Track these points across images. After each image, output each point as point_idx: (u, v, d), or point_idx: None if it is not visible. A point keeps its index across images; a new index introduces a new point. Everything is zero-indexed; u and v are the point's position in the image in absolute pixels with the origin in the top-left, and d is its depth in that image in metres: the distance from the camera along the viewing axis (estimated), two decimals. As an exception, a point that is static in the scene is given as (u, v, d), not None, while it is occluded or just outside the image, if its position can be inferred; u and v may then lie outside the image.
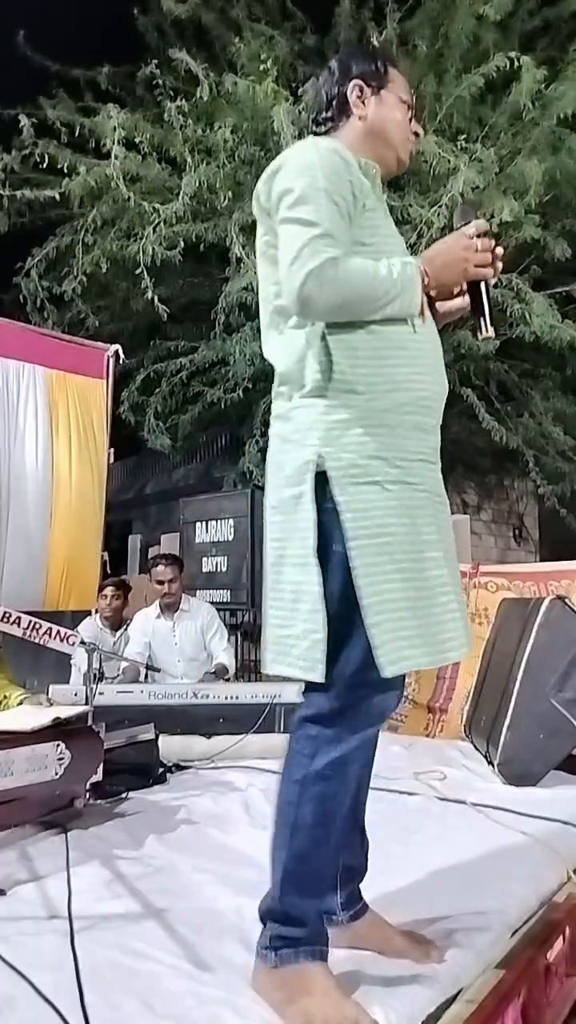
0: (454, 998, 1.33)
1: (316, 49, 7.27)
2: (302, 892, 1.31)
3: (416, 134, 1.58)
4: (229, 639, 4.54)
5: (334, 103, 1.54)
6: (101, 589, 4.46)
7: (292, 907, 1.30)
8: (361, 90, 1.52)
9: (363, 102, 1.52)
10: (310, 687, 1.33)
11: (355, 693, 1.30)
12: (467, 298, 1.44)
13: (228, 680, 4.12)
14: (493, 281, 1.44)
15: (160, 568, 4.26)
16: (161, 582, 4.23)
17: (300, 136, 5.74)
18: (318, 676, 1.26)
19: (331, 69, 1.57)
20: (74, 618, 4.55)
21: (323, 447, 1.30)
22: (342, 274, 1.28)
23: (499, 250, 1.40)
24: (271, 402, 1.49)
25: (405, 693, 4.15)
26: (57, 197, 6.14)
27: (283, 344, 1.42)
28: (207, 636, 4.26)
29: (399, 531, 1.30)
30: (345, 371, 1.33)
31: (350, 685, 1.29)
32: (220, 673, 4.09)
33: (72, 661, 4.20)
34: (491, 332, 1.42)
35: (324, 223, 1.30)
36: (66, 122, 6.59)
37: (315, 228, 1.29)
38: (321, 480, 1.29)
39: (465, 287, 1.42)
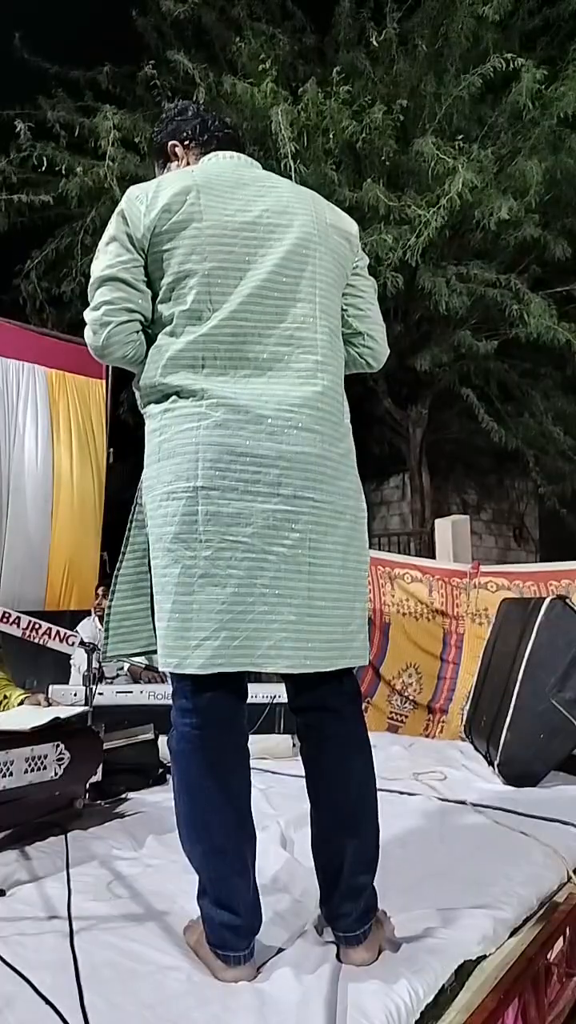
0: (454, 997, 1.33)
1: (316, 49, 7.27)
2: None
3: None
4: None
5: None
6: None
7: None
8: None
9: None
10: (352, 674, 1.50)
11: None
12: None
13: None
14: None
15: None
16: None
17: (299, 137, 5.74)
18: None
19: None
20: (73, 618, 4.55)
21: None
22: None
23: None
24: None
25: (406, 694, 4.17)
26: (51, 201, 6.13)
27: (338, 355, 1.53)
28: None
29: None
30: None
31: None
32: None
33: (72, 661, 4.20)
34: None
35: None
36: (66, 123, 6.59)
37: None
38: None
39: None
